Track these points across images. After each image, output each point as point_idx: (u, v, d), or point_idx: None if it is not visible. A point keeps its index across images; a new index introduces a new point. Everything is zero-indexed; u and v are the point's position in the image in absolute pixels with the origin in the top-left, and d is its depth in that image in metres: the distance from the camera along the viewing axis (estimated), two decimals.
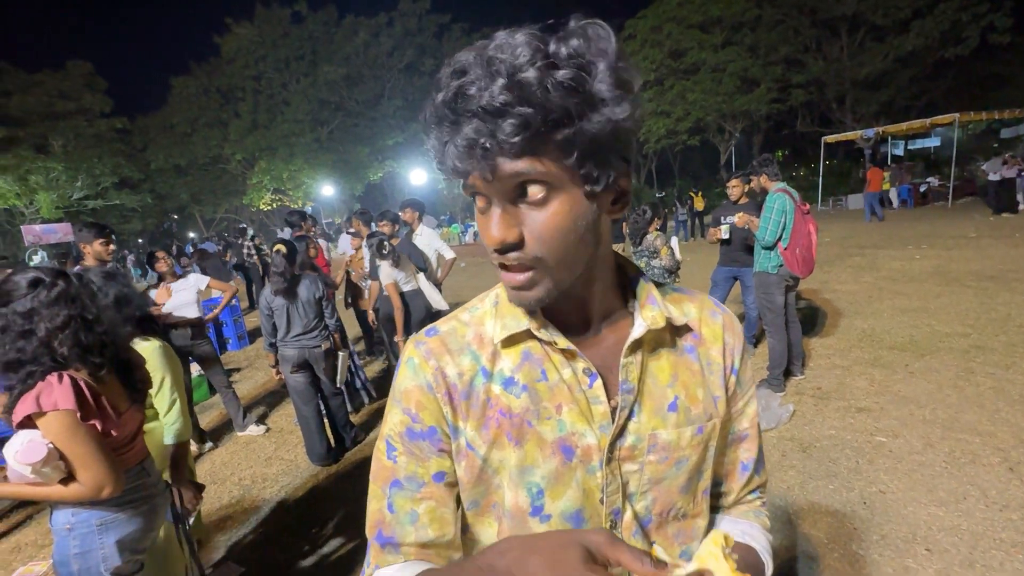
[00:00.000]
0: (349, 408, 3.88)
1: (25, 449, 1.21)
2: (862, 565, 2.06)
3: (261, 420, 4.22)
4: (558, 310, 0.57)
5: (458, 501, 0.59)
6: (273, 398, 4.83)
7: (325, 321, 3.31)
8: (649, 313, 0.58)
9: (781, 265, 3.59)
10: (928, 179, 16.57)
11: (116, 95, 23.35)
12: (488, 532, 0.59)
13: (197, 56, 36.50)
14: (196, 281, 3.86)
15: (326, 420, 3.49)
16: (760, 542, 0.64)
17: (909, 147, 21.26)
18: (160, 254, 3.89)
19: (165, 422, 1.85)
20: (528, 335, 0.57)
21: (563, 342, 0.55)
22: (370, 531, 0.59)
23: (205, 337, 3.88)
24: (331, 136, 26.97)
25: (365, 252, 4.84)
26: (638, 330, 0.57)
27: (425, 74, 28.81)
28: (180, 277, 3.87)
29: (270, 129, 25.77)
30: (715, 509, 0.69)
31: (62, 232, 18.90)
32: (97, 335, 1.33)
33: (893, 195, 15.99)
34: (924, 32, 16.91)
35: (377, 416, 4.02)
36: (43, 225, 19.40)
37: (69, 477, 1.29)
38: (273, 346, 3.29)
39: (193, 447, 3.79)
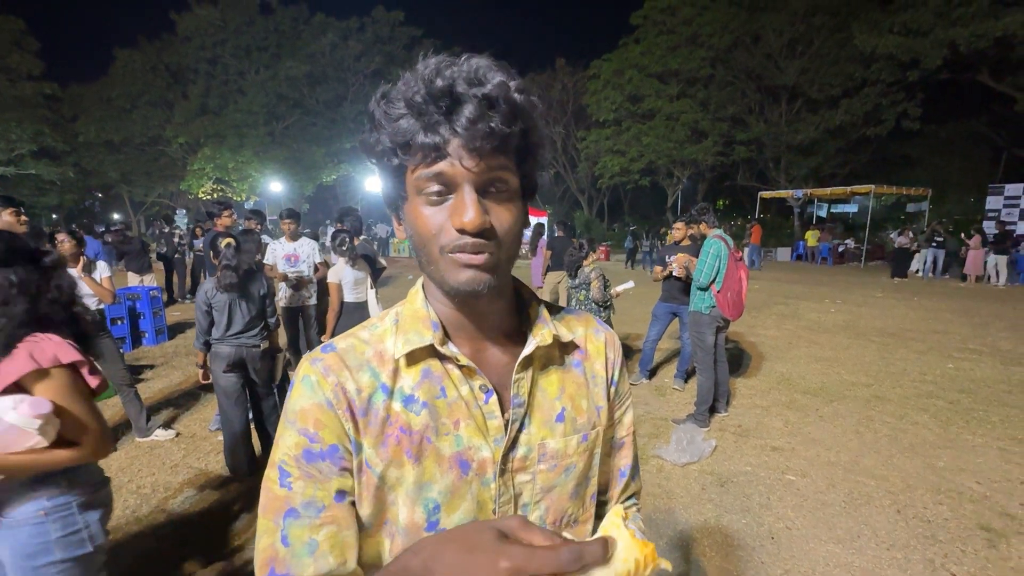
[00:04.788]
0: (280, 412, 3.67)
1: (34, 401, 1.11)
2: None
3: (170, 424, 3.89)
4: (461, 328, 0.60)
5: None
6: (186, 400, 4.47)
7: (266, 320, 3.13)
8: (539, 331, 0.62)
9: (713, 306, 3.80)
10: (846, 241, 18.43)
11: (50, 60, 21.68)
12: (377, 552, 0.57)
13: (148, 30, 34.38)
14: (100, 270, 3.59)
15: (253, 427, 3.28)
16: None
17: (832, 210, 23.67)
18: (61, 236, 3.49)
19: None
20: (428, 353, 0.58)
21: (464, 359, 0.57)
22: (260, 570, 0.51)
23: (105, 330, 3.61)
24: (286, 132, 25.94)
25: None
26: (529, 347, 0.60)
27: (392, 83, 28.49)
28: (92, 262, 3.55)
29: (220, 116, 24.39)
30: (598, 517, 0.71)
31: None
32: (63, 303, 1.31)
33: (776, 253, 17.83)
34: (851, 110, 19.02)
35: None
36: None
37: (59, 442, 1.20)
38: (206, 344, 3.01)
39: None
